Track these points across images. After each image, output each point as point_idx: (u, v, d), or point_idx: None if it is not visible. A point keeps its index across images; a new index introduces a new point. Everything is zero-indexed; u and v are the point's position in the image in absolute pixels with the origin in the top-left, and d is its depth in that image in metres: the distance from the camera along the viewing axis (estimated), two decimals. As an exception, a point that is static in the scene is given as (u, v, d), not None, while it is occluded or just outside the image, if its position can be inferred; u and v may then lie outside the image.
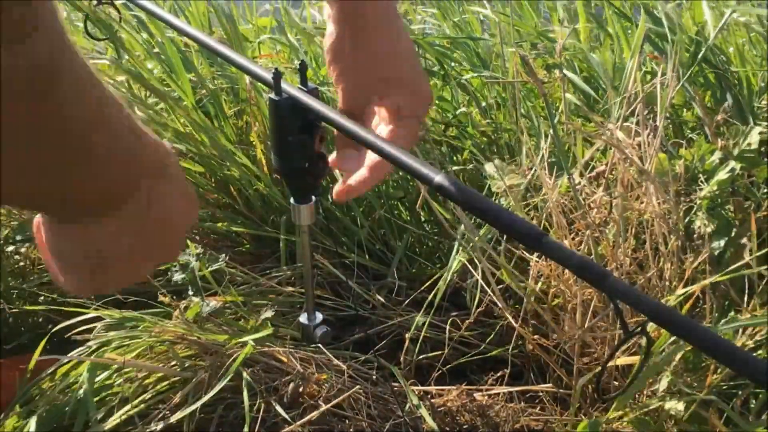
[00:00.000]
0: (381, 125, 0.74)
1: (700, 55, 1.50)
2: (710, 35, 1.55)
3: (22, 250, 1.67)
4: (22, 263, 1.66)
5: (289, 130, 0.68)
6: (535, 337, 1.29)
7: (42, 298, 1.59)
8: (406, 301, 1.50)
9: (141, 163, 0.52)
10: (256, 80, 0.74)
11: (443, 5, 2.13)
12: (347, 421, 1.25)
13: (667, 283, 1.21)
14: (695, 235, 1.21)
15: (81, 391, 1.23)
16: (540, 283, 1.28)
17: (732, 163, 1.20)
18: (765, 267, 1.13)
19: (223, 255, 1.39)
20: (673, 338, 1.09)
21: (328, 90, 1.66)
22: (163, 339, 1.29)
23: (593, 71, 1.71)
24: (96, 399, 1.24)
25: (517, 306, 1.39)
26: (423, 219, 1.70)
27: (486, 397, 1.32)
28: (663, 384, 1.12)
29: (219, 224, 1.70)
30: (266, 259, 1.67)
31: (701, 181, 1.23)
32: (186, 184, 0.58)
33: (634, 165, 1.20)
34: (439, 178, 0.58)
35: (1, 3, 0.38)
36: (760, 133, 1.19)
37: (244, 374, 1.24)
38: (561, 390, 1.29)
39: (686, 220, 1.24)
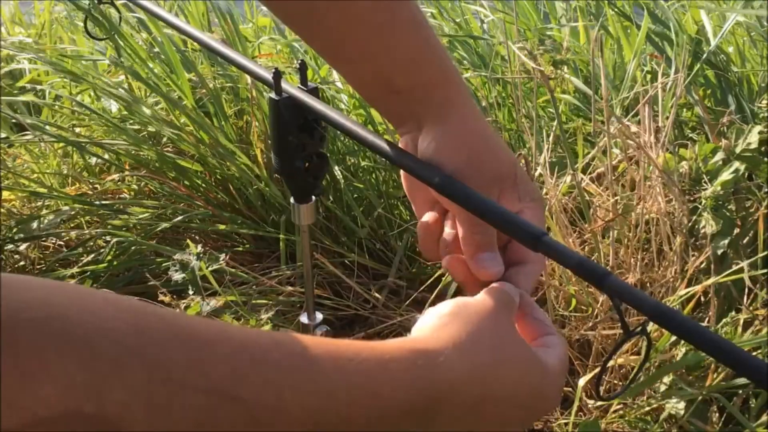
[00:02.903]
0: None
1: (702, 57, 1.50)
2: (709, 35, 1.55)
3: (22, 248, 1.67)
4: (22, 263, 1.66)
5: (289, 129, 0.68)
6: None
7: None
8: (407, 302, 1.49)
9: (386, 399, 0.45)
10: (256, 80, 0.74)
11: (443, 4, 2.13)
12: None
13: (671, 282, 1.21)
14: (700, 235, 1.21)
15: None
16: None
17: (736, 164, 1.20)
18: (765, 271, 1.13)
19: (223, 254, 1.39)
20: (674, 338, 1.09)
21: (328, 89, 1.66)
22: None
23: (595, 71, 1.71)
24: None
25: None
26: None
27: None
28: (663, 384, 1.12)
29: (219, 224, 1.70)
30: (266, 259, 1.67)
31: (705, 182, 1.23)
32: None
33: (641, 163, 1.20)
34: (439, 177, 0.58)
35: None
36: (760, 132, 1.19)
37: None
38: (563, 388, 1.29)
39: (692, 220, 1.24)
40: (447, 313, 0.52)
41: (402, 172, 0.65)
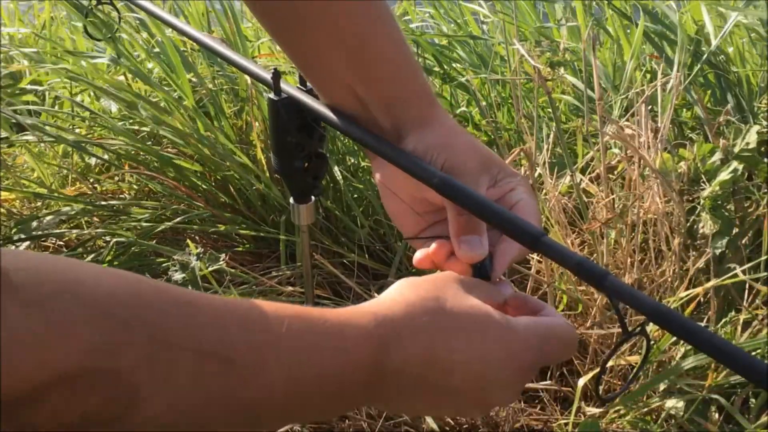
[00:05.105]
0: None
1: (703, 58, 1.50)
2: (709, 35, 1.55)
3: (22, 248, 1.67)
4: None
5: (288, 130, 0.68)
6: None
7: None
8: (406, 301, 1.49)
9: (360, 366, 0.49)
10: (256, 80, 0.74)
11: (442, 4, 2.13)
12: (347, 420, 1.25)
13: (669, 282, 1.21)
14: (699, 235, 1.21)
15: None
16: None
17: (734, 164, 1.20)
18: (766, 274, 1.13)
19: (223, 255, 1.39)
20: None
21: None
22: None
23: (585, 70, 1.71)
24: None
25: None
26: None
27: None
28: (663, 384, 1.12)
29: (219, 224, 1.70)
30: (266, 259, 1.67)
31: (703, 182, 1.23)
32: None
33: (639, 164, 1.20)
34: (438, 177, 0.58)
35: None
36: (758, 132, 1.20)
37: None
38: (563, 388, 1.29)
39: (690, 220, 1.24)
40: (394, 285, 0.56)
41: (381, 191, 0.67)
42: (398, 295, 0.53)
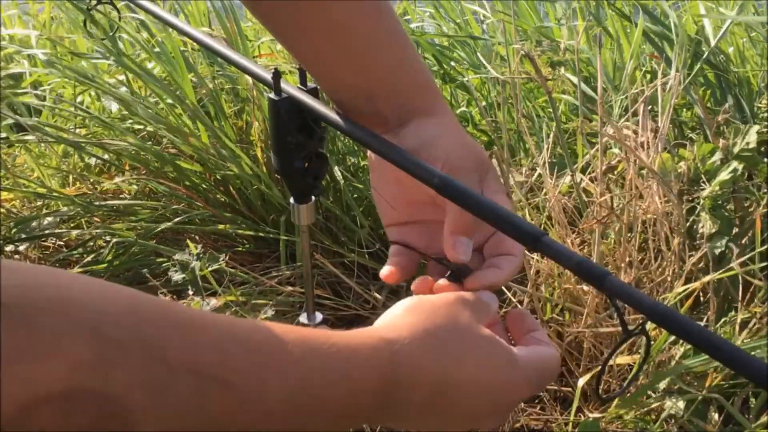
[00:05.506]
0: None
1: (703, 58, 1.50)
2: (709, 35, 1.55)
3: (21, 249, 1.67)
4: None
5: (288, 130, 0.68)
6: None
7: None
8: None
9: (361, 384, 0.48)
10: (256, 80, 0.74)
11: (442, 4, 2.13)
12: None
13: (669, 282, 1.21)
14: (698, 235, 1.21)
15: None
16: (534, 284, 1.28)
17: (734, 164, 1.20)
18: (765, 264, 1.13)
19: (223, 254, 1.39)
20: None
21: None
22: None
23: (593, 71, 1.71)
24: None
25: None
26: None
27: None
28: (663, 384, 1.12)
29: (219, 224, 1.70)
30: (266, 259, 1.67)
31: (703, 182, 1.23)
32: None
33: (638, 164, 1.20)
34: (438, 177, 0.58)
35: None
36: (758, 132, 1.20)
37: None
38: (562, 388, 1.29)
39: (690, 220, 1.24)
40: (405, 307, 0.55)
41: (372, 189, 0.67)
42: (412, 319, 0.53)
